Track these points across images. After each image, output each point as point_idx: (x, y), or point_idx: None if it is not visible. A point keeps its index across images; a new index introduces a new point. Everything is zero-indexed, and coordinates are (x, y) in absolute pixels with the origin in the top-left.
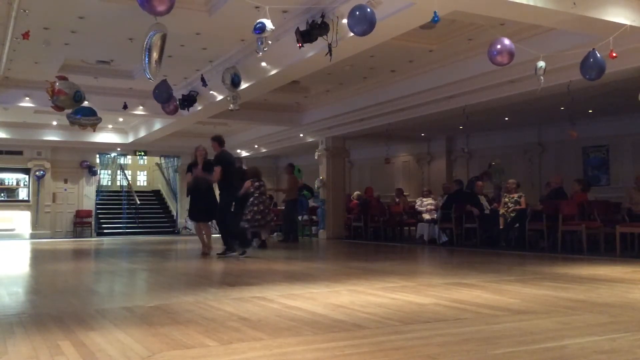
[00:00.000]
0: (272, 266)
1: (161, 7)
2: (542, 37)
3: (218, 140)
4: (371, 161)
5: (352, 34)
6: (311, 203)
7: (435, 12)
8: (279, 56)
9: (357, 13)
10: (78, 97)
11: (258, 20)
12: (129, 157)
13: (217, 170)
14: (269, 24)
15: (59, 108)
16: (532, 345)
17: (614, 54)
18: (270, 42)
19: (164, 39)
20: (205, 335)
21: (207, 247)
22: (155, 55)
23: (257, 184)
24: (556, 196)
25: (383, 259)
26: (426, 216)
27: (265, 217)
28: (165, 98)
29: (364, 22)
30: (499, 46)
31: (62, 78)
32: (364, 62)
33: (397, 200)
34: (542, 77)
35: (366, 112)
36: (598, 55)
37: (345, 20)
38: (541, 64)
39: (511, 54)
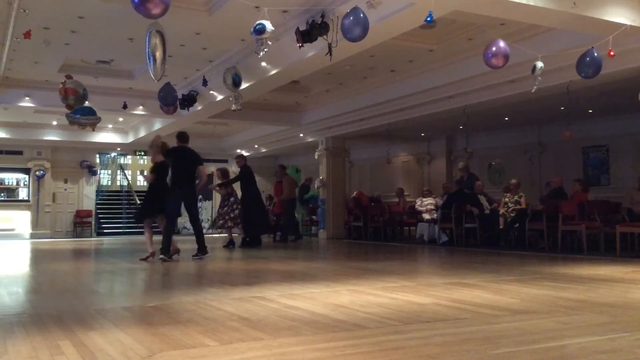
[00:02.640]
0: (272, 266)
1: (156, 10)
2: (542, 37)
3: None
4: (371, 161)
5: None
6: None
7: (430, 13)
8: (279, 56)
9: (351, 18)
10: (85, 95)
11: (258, 22)
12: (129, 157)
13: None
14: (268, 25)
15: (71, 107)
16: (532, 345)
17: (612, 53)
18: (270, 42)
19: (162, 36)
20: (205, 335)
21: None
22: (159, 55)
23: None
24: (556, 196)
25: (383, 259)
26: (426, 216)
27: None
28: (171, 101)
29: (357, 28)
30: (494, 48)
31: (70, 77)
32: (364, 62)
33: (397, 200)
34: (539, 78)
35: (366, 112)
36: (595, 53)
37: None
38: (540, 64)
39: (506, 57)
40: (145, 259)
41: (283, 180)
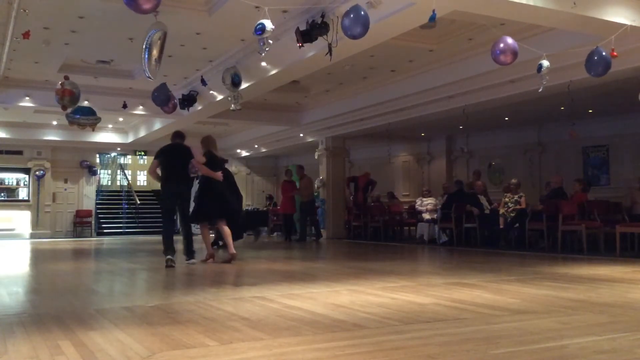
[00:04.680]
0: (272, 266)
1: (146, 6)
2: (543, 37)
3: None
4: (371, 161)
5: None
6: None
7: (433, 11)
8: (279, 56)
9: (351, 16)
10: (79, 96)
11: (259, 21)
12: (129, 157)
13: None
14: (268, 24)
15: (64, 107)
16: (532, 345)
17: (615, 53)
18: (271, 41)
19: (164, 37)
20: (205, 335)
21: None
22: (155, 53)
23: None
24: (556, 196)
25: (383, 259)
26: (426, 216)
27: None
28: (163, 101)
29: (357, 25)
30: (502, 45)
31: (67, 78)
32: (364, 62)
33: (387, 201)
34: (547, 77)
35: (366, 112)
36: (603, 52)
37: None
38: (546, 63)
39: (515, 53)
40: (205, 261)
41: (303, 181)
